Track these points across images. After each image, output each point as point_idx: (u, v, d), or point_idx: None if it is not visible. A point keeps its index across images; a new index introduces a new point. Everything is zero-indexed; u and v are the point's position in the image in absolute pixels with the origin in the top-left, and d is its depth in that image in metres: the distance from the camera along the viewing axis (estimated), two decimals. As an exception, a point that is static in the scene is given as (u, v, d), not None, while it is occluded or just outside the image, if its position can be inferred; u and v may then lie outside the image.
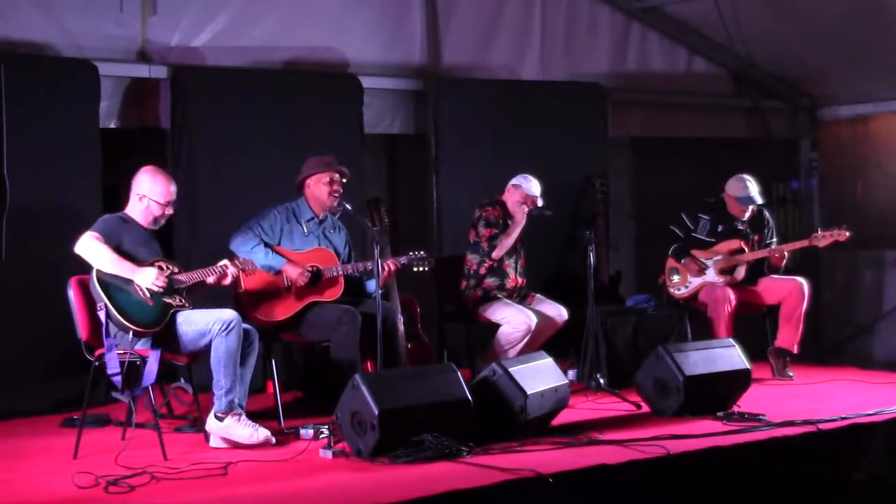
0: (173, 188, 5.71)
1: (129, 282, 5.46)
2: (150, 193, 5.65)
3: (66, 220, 6.74)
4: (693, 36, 9.33)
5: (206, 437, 5.60)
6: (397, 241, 6.75)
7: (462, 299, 7.25)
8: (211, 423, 5.52)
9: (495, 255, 7.15)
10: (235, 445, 5.49)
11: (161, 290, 5.47)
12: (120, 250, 5.51)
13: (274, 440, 5.53)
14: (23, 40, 6.79)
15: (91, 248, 5.45)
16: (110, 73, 7.01)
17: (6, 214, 6.59)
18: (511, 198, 7.27)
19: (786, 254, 7.55)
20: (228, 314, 5.52)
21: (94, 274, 5.44)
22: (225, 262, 5.74)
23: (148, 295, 5.47)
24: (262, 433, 5.48)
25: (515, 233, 7.19)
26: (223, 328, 5.45)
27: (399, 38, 8.17)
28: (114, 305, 5.38)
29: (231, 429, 5.47)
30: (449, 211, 8.12)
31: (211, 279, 5.69)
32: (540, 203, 7.23)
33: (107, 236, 5.49)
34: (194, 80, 7.24)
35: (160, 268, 5.57)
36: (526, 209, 7.18)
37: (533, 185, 7.26)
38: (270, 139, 7.40)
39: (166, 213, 5.71)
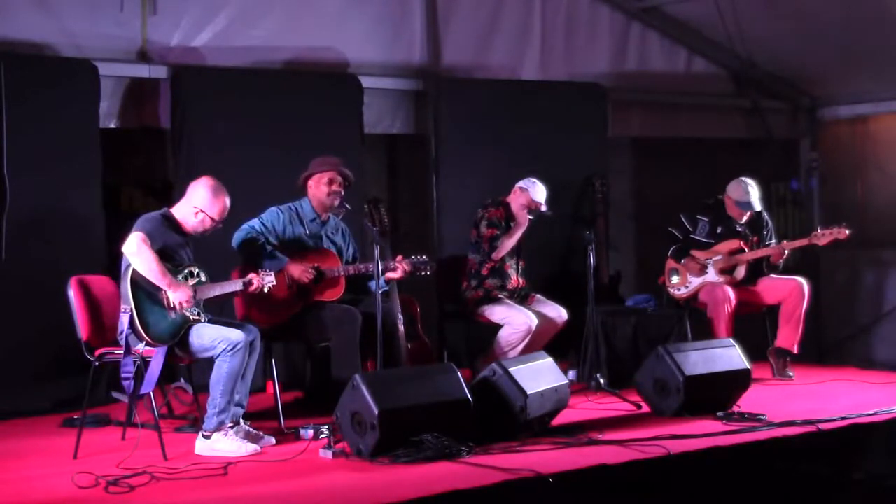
0: (228, 203, 5.72)
1: (160, 288, 5.48)
2: (208, 210, 5.65)
3: (66, 220, 6.77)
4: (693, 36, 9.33)
5: None
6: (397, 241, 6.75)
7: (463, 299, 7.26)
8: (199, 444, 5.49)
9: (495, 256, 7.16)
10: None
11: (185, 309, 5.49)
12: (163, 250, 5.51)
13: (260, 450, 5.47)
14: (23, 40, 6.79)
15: (139, 251, 5.42)
16: (110, 73, 7.02)
17: (6, 214, 6.59)
18: (516, 200, 7.28)
19: (786, 252, 7.56)
20: (235, 334, 5.50)
21: (129, 275, 5.42)
22: (252, 275, 5.76)
23: (171, 306, 5.48)
24: (249, 446, 5.43)
25: (517, 235, 7.19)
26: (228, 348, 5.45)
27: (399, 38, 8.16)
28: (138, 312, 5.38)
29: (217, 444, 5.44)
30: (449, 211, 8.11)
31: (238, 289, 5.73)
32: (543, 209, 7.24)
33: (153, 238, 5.49)
34: (194, 80, 7.24)
35: (191, 273, 5.59)
36: (526, 212, 7.19)
37: (538, 191, 7.27)
38: (270, 139, 7.39)
39: (217, 227, 5.73)
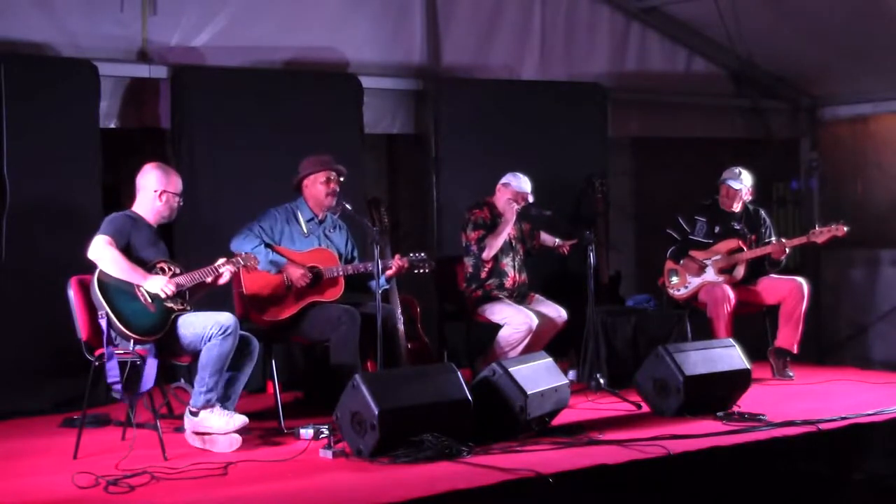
0: (169, 177, 5.74)
1: (134, 284, 5.47)
2: (168, 187, 5.68)
3: (66, 220, 6.76)
4: (693, 36, 9.33)
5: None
6: (397, 241, 6.76)
7: (462, 299, 7.26)
8: (187, 422, 5.50)
9: (486, 255, 7.14)
10: (209, 440, 5.46)
11: (169, 296, 5.47)
12: (129, 249, 5.51)
13: (248, 421, 5.48)
14: (23, 40, 6.79)
15: (104, 254, 5.42)
16: (110, 73, 7.02)
17: (6, 214, 6.60)
18: (501, 196, 7.26)
19: (787, 249, 7.55)
20: (226, 318, 5.50)
21: (95, 279, 5.41)
22: (221, 260, 5.73)
23: (150, 300, 5.46)
24: (237, 419, 5.43)
25: (505, 231, 7.17)
26: (220, 332, 5.43)
27: (399, 38, 8.17)
28: (115, 312, 5.36)
29: (205, 421, 5.45)
30: (449, 211, 8.11)
31: (209, 279, 5.69)
32: (530, 199, 7.22)
33: (117, 238, 5.48)
34: (194, 80, 7.24)
35: (162, 269, 5.57)
36: (516, 206, 7.16)
37: (522, 182, 7.25)
38: (270, 139, 7.40)
39: (180, 203, 5.73)
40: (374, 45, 8.04)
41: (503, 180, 7.28)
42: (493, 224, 7.20)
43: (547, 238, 7.55)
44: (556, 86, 8.69)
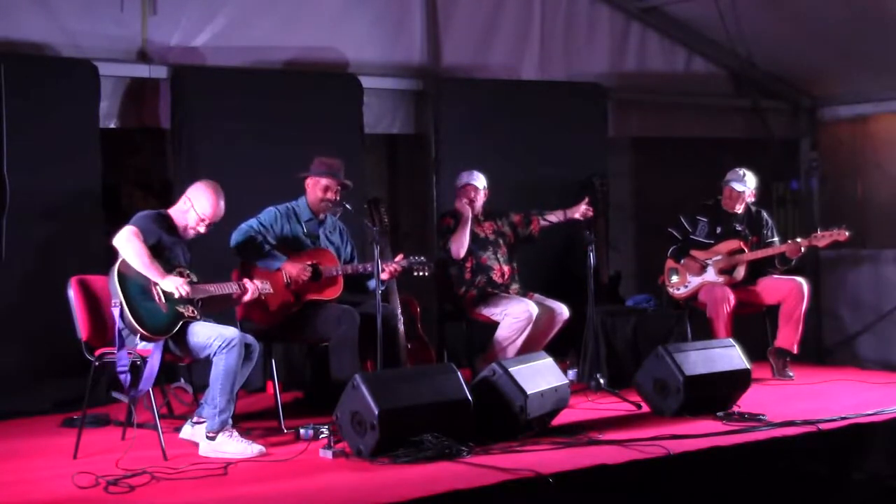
0: (219, 208, 5.69)
1: (151, 282, 5.47)
2: (213, 218, 5.68)
3: (66, 220, 6.77)
4: (693, 36, 9.32)
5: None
6: (397, 241, 6.76)
7: (460, 301, 7.26)
8: (203, 446, 5.47)
9: (454, 254, 7.19)
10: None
11: (182, 297, 5.47)
12: (159, 247, 5.53)
13: (266, 450, 5.46)
14: (23, 40, 6.79)
15: (129, 244, 5.43)
16: (110, 73, 7.02)
17: (6, 214, 6.59)
18: (458, 199, 7.33)
19: (803, 249, 7.52)
20: (230, 331, 5.49)
21: (115, 269, 5.42)
22: (245, 280, 5.76)
23: (164, 301, 5.46)
24: (254, 447, 5.41)
25: (464, 228, 7.19)
26: (223, 345, 5.42)
27: (399, 38, 8.17)
28: (129, 305, 5.37)
29: (222, 446, 5.41)
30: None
31: (233, 292, 5.70)
32: (478, 190, 7.23)
33: (145, 233, 5.49)
34: (194, 80, 7.24)
35: (180, 274, 5.57)
36: (465, 201, 7.22)
37: (469, 177, 7.31)
38: (270, 139, 7.39)
39: (199, 229, 5.69)
40: (374, 45, 8.04)
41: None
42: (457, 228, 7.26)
43: (550, 217, 7.52)
44: (556, 86, 8.68)
